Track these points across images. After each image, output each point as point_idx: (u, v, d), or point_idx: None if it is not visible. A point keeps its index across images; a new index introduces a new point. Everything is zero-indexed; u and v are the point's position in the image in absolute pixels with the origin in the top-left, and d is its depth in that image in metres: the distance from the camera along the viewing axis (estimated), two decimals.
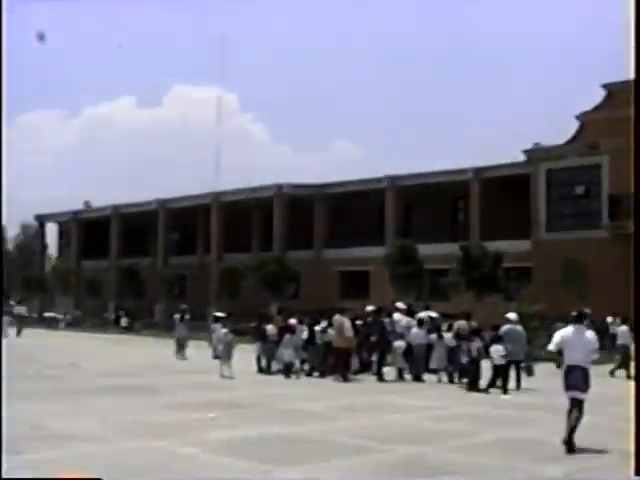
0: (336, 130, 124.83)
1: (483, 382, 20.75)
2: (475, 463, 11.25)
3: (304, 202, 60.98)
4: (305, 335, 24.79)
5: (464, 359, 21.58)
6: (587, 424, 12.23)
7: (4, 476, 7.61)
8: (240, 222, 66.34)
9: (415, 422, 15.16)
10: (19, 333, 45.36)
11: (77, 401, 17.46)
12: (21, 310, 52.29)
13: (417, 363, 23.46)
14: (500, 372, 20.26)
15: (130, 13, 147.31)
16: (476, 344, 21.04)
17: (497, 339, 20.60)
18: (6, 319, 45.57)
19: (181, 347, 31.28)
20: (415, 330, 23.95)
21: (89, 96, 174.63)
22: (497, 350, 20.18)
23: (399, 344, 23.44)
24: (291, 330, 24.54)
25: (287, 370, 23.86)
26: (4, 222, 78.15)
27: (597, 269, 39.69)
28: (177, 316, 33.43)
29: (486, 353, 20.70)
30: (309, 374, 24.32)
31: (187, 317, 33.43)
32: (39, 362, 28.50)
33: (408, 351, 23.49)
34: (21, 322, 47.69)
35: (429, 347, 23.75)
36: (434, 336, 23.78)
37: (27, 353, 32.90)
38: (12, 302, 55.86)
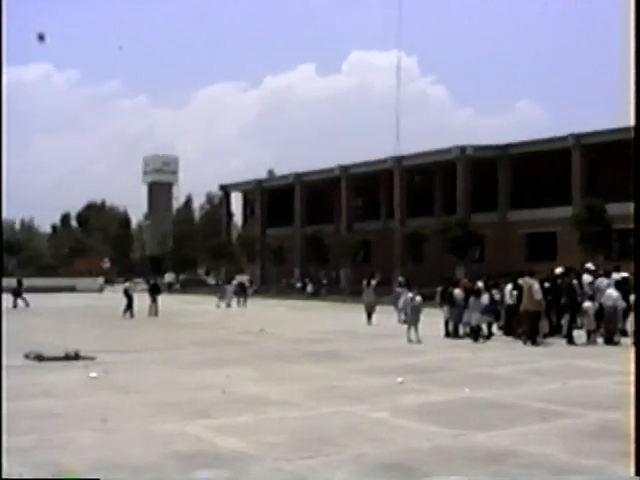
0: (519, 90, 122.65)
1: None
2: None
3: (487, 164, 60.18)
4: (487, 298, 24.64)
5: None
6: None
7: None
8: (422, 186, 66.19)
9: (607, 387, 14.80)
10: (244, 302, 46.77)
11: (267, 367, 17.83)
12: (243, 279, 53.91)
13: (609, 325, 22.86)
14: None
15: None
16: None
17: None
18: (230, 288, 47.34)
19: (369, 312, 31.60)
20: (609, 291, 23.31)
21: (268, 66, 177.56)
22: None
23: (589, 305, 22.94)
24: (477, 293, 24.40)
25: (475, 333, 23.76)
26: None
27: None
28: (365, 282, 33.93)
29: None
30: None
31: (374, 282, 33.76)
32: (229, 329, 29.50)
33: (600, 313, 22.95)
34: (244, 292, 48.91)
35: (626, 309, 23.07)
36: (631, 297, 23.07)
37: (216, 320, 34.14)
38: (200, 272, 56.88)
